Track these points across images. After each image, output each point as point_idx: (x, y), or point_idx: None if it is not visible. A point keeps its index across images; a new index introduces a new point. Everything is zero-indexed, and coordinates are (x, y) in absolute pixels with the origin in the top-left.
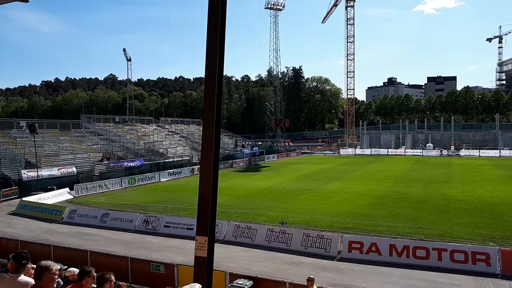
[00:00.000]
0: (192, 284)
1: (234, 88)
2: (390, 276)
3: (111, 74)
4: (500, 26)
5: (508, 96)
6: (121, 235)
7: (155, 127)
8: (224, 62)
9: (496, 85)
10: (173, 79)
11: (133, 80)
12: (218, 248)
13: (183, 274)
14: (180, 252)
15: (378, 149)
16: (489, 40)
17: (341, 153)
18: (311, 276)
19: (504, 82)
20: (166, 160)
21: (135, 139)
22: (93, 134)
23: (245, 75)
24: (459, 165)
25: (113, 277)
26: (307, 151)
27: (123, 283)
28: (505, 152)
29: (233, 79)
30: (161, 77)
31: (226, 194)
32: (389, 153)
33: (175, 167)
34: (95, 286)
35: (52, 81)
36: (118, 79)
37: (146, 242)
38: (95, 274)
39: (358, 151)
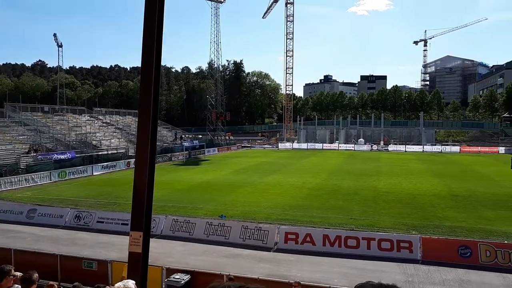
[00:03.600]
0: (126, 280)
1: (174, 79)
2: (323, 265)
3: (39, 60)
4: (426, 30)
5: (431, 96)
6: (50, 231)
7: (88, 117)
8: (162, 52)
9: (421, 85)
10: (108, 67)
11: (64, 68)
12: (155, 243)
13: (117, 270)
14: (115, 248)
15: (314, 144)
16: (416, 43)
17: (279, 147)
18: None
19: (428, 82)
20: (100, 153)
21: (65, 130)
22: (18, 124)
23: (185, 67)
24: (387, 159)
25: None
26: (247, 145)
27: (54, 283)
28: (427, 148)
29: (173, 70)
30: (95, 65)
31: (164, 188)
32: (324, 148)
33: (109, 160)
34: (19, 286)
35: None
36: (48, 66)
37: (78, 238)
38: (15, 273)
39: (296, 145)
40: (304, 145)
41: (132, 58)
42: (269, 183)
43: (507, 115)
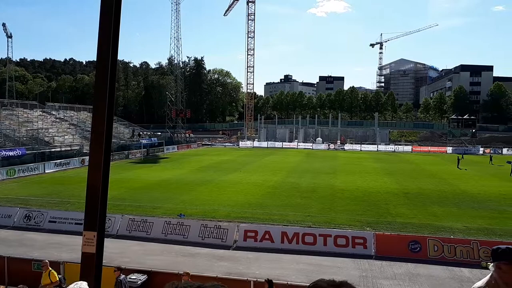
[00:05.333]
0: (80, 282)
1: (132, 74)
2: (281, 262)
3: None
4: (381, 33)
5: (386, 97)
6: None
7: (40, 112)
8: (120, 46)
9: (377, 86)
10: (62, 61)
11: (14, 60)
12: (111, 243)
13: (70, 272)
14: (68, 248)
15: (274, 142)
16: (372, 45)
17: (240, 145)
18: (45, 261)
19: (383, 84)
20: (53, 150)
21: (15, 125)
22: None
23: (144, 62)
24: (344, 158)
25: None
26: (207, 143)
27: (1, 287)
28: (382, 147)
29: (131, 65)
30: (48, 58)
31: (121, 187)
32: (283, 146)
33: (62, 158)
34: None
35: None
36: None
37: (28, 239)
38: None
39: (256, 143)
40: (264, 144)
41: (88, 52)
42: (230, 181)
43: (454, 117)
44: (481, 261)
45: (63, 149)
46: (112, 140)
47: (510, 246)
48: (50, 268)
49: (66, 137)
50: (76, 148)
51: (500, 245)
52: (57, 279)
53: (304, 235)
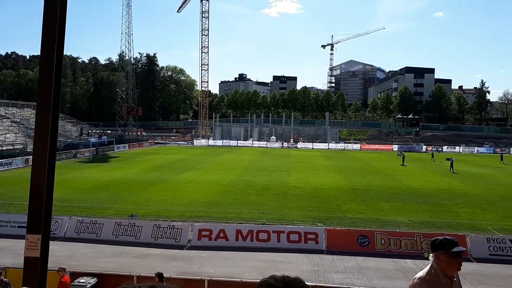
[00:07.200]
0: None
1: (80, 70)
2: (235, 260)
3: None
4: (332, 35)
5: (336, 97)
6: None
7: None
8: (66, 39)
9: (328, 87)
10: (3, 54)
11: None
12: (58, 246)
13: (13, 278)
14: (10, 253)
15: (229, 141)
16: (324, 46)
17: (195, 144)
18: None
19: (333, 84)
20: None
21: None
22: None
23: (93, 57)
24: (297, 156)
25: None
26: (161, 142)
27: None
28: (332, 145)
29: (79, 60)
30: None
31: (68, 187)
32: (238, 145)
33: (4, 157)
34: None
35: None
36: None
37: None
38: None
39: (211, 142)
40: (219, 142)
41: (31, 45)
42: (184, 180)
43: (400, 117)
44: (423, 252)
45: (4, 148)
46: (59, 139)
47: (447, 237)
48: None
49: (7, 135)
50: (19, 147)
51: (439, 236)
52: None
53: (259, 232)
